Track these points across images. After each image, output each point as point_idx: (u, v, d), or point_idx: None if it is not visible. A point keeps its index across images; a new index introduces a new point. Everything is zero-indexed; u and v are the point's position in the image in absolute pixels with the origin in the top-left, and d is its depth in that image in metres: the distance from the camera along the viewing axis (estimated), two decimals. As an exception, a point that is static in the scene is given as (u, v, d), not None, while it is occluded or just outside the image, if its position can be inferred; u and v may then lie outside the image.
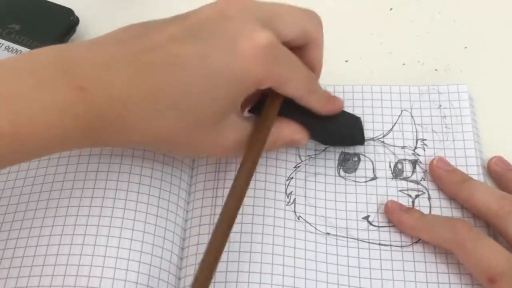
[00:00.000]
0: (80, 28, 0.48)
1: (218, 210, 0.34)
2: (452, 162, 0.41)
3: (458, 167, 0.40)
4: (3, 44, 0.45)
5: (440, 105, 0.43)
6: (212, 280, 0.33)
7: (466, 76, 0.46)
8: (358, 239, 0.39)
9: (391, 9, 0.50)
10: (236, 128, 0.35)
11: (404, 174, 0.41)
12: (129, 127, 0.31)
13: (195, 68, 0.31)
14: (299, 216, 0.39)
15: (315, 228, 0.39)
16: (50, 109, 0.29)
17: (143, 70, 0.31)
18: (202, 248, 0.35)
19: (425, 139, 0.42)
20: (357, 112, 0.43)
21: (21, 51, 0.45)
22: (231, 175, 0.40)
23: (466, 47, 0.48)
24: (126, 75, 0.31)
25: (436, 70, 0.46)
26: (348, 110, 0.43)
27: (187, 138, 0.33)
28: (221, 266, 0.37)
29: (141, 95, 0.31)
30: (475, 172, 0.40)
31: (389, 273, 0.37)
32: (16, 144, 0.29)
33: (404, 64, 0.47)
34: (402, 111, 0.43)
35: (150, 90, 0.31)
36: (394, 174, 0.41)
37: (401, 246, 0.38)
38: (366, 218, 0.39)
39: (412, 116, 0.43)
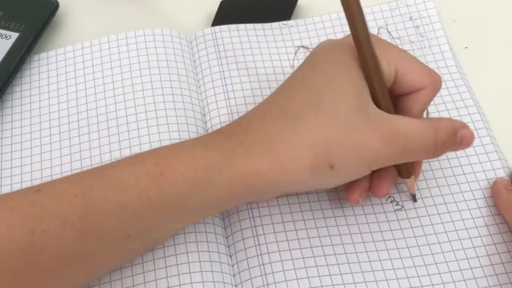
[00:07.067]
0: (59, 12, 0.50)
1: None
2: (432, 65, 0.44)
3: (440, 69, 0.44)
4: (-12, 30, 0.46)
5: (411, 17, 0.47)
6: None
7: (466, 76, 0.46)
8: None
9: (391, 9, 0.51)
10: (384, 116, 0.34)
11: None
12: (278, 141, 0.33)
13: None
14: None
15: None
16: None
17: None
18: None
19: (406, 50, 0.45)
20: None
21: (10, 35, 0.46)
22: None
23: (466, 47, 0.48)
24: None
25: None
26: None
27: (340, 140, 0.33)
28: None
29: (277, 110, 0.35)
30: (455, 70, 0.44)
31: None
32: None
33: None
34: (379, 29, 0.47)
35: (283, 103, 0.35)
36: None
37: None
38: None
39: (389, 32, 0.46)
